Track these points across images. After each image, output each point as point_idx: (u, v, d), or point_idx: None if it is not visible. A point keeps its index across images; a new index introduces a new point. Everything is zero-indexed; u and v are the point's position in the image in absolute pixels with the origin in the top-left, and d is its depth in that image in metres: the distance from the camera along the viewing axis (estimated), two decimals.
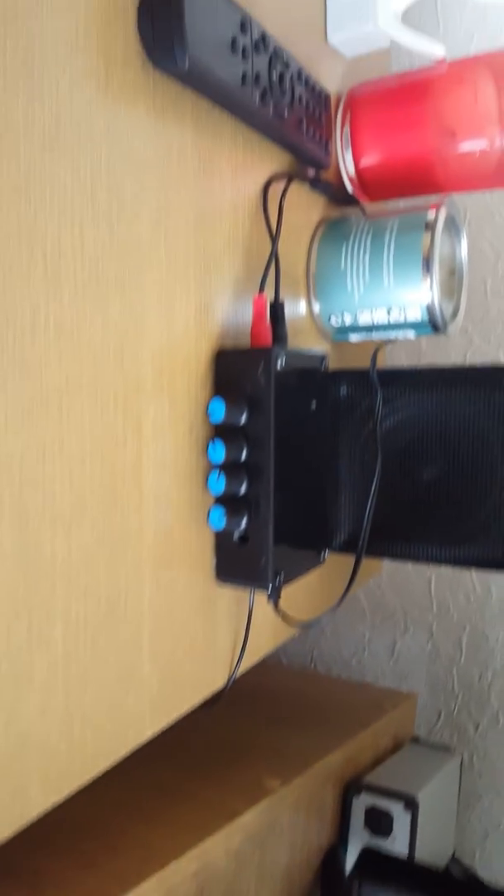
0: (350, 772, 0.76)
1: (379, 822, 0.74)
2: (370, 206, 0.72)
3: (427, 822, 0.76)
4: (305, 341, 0.61)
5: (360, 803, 0.75)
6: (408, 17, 0.67)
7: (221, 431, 0.47)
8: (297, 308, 0.60)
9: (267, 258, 0.53)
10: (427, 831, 0.76)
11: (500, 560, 0.56)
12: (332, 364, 0.66)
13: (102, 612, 0.40)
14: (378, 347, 0.63)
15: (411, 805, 0.72)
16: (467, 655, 1.01)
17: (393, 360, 1.03)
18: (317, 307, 0.62)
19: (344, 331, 0.62)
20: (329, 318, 0.62)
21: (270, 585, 0.47)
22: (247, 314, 0.51)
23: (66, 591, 0.37)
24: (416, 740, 0.90)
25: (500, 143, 0.58)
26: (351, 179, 0.65)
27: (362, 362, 0.73)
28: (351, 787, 0.75)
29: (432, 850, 0.79)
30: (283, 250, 0.57)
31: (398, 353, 1.03)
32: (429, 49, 0.61)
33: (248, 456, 0.47)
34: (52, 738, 0.37)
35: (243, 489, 0.47)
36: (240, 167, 0.50)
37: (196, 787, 0.61)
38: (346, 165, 0.64)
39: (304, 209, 0.60)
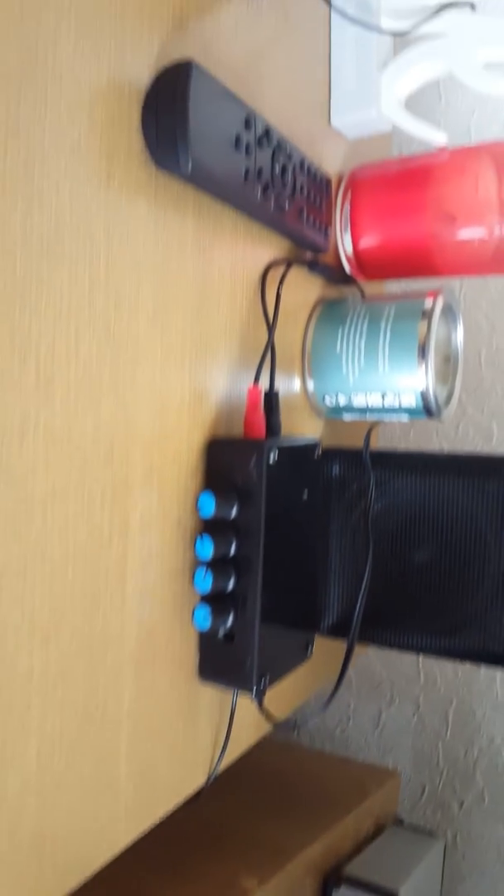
0: (330, 861, 0.74)
1: None
2: (367, 286, 0.72)
3: None
4: (298, 417, 0.61)
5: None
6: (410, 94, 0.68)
7: (210, 525, 0.46)
8: (290, 384, 0.59)
9: (263, 345, 0.53)
10: None
11: (489, 654, 0.55)
12: (324, 439, 0.66)
13: (79, 722, 0.38)
14: (371, 427, 0.62)
15: None
16: (453, 730, 1.00)
17: (384, 428, 1.03)
18: (311, 385, 0.61)
19: (338, 411, 0.62)
20: (323, 398, 0.61)
21: (255, 690, 0.45)
22: (241, 399, 0.51)
23: (41, 707, 0.36)
24: (399, 822, 0.88)
25: (499, 232, 0.58)
26: (349, 260, 0.65)
27: (354, 438, 0.72)
28: (331, 879, 0.72)
29: None
30: (280, 329, 0.56)
31: (388, 423, 1.03)
32: (431, 136, 0.61)
33: (236, 550, 0.46)
34: (20, 860, 0.35)
35: (231, 586, 0.45)
36: (239, 255, 0.49)
37: (170, 888, 0.58)
38: (345, 246, 0.64)
39: (301, 289, 0.59)
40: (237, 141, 0.43)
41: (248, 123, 0.44)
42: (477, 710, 0.98)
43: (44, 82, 0.33)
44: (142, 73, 0.39)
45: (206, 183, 0.42)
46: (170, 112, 0.38)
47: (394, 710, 1.04)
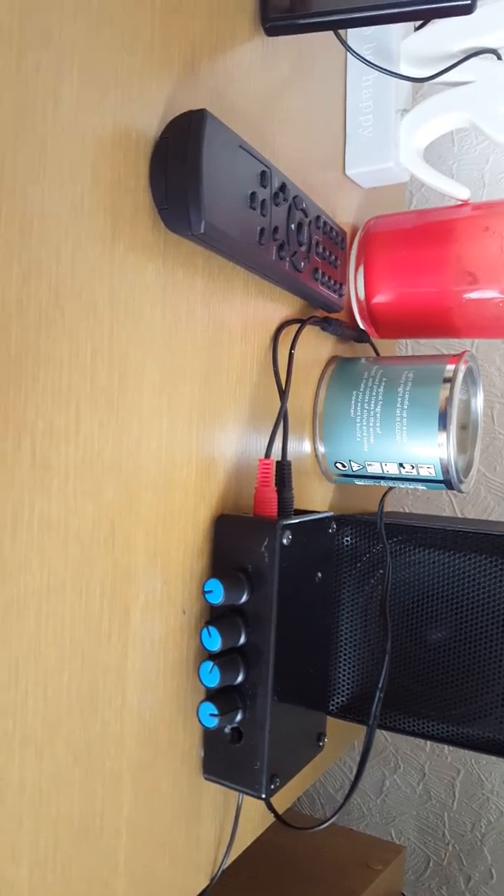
0: None
1: None
2: (381, 343, 0.69)
3: None
4: (307, 481, 0.57)
5: None
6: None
7: (218, 613, 0.43)
8: (300, 446, 0.56)
9: (275, 411, 0.49)
10: None
11: None
12: (333, 501, 0.62)
13: (75, 837, 0.34)
14: (385, 493, 0.59)
15: None
16: (460, 801, 0.95)
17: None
18: (322, 449, 0.58)
19: (349, 477, 0.59)
20: (335, 464, 0.58)
21: (265, 794, 0.41)
22: (250, 469, 0.47)
23: (34, 823, 0.32)
24: None
25: None
26: (363, 316, 0.62)
27: (364, 500, 0.69)
28: None
29: None
30: (291, 387, 0.53)
31: None
32: (453, 190, 0.59)
33: (245, 639, 0.42)
34: None
35: (239, 679, 0.42)
36: (250, 317, 0.46)
37: None
38: (359, 302, 0.61)
39: (312, 347, 0.56)
40: (252, 198, 0.39)
41: (263, 179, 0.41)
42: (486, 782, 0.93)
43: (43, 135, 0.30)
44: (150, 123, 0.36)
45: (219, 244, 0.38)
46: (181, 167, 0.35)
47: (398, 777, 0.99)
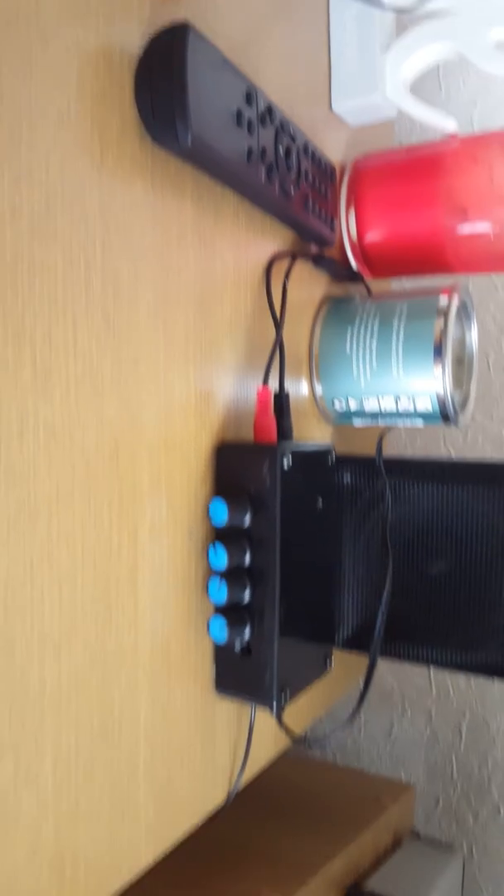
0: (351, 875, 0.70)
1: None
2: (374, 284, 0.70)
3: None
4: (306, 423, 0.58)
5: None
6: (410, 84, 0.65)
7: (223, 534, 0.43)
8: (298, 388, 0.56)
9: (270, 341, 0.50)
10: None
11: None
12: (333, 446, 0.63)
13: (95, 739, 0.35)
14: (383, 433, 0.59)
15: None
16: (467, 743, 0.96)
17: (390, 435, 1.00)
18: (319, 389, 0.58)
19: (347, 416, 0.59)
20: (332, 403, 0.58)
21: (275, 704, 0.42)
22: (249, 402, 0.48)
23: (55, 722, 0.33)
24: (416, 835, 0.84)
25: None
26: (356, 255, 0.62)
27: (364, 442, 0.69)
28: (352, 894, 0.69)
29: None
30: (286, 328, 0.53)
31: (395, 429, 1.00)
32: (440, 122, 0.58)
33: (251, 560, 0.43)
34: (41, 882, 0.32)
35: (246, 597, 0.42)
36: (241, 246, 0.47)
37: None
38: (351, 241, 0.61)
39: (306, 286, 0.57)
40: (238, 116, 0.40)
41: (249, 98, 0.41)
42: (491, 723, 0.94)
43: (28, 43, 0.30)
44: (133, 38, 0.36)
45: (207, 161, 0.39)
46: (166, 80, 0.35)
47: (406, 722, 1.01)
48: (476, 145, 0.57)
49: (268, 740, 0.51)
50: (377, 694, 1.03)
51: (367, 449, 0.70)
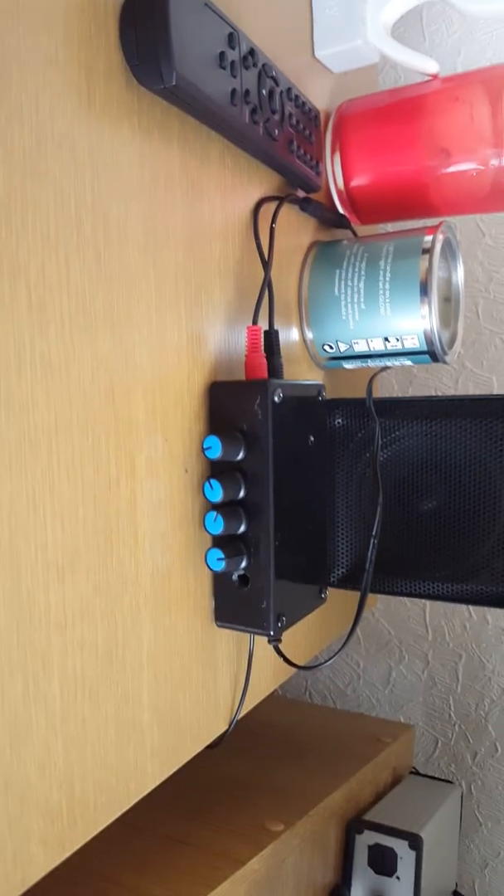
0: (352, 809, 0.73)
1: (383, 861, 0.71)
2: (362, 230, 0.70)
3: (431, 860, 0.73)
4: (297, 368, 0.59)
5: (363, 841, 0.71)
6: (394, 33, 0.65)
7: (217, 468, 0.45)
8: (288, 334, 0.57)
9: (259, 285, 0.51)
10: (431, 869, 0.74)
11: (502, 598, 0.54)
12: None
13: (100, 663, 0.37)
14: (373, 376, 0.60)
15: (416, 844, 0.69)
16: (464, 684, 0.99)
17: (383, 384, 1.01)
18: (309, 334, 0.59)
19: (338, 359, 0.60)
20: (322, 346, 0.59)
21: (272, 631, 0.44)
22: (240, 343, 0.49)
23: (61, 644, 0.34)
24: (415, 773, 0.87)
25: (496, 164, 0.56)
26: (342, 201, 0.63)
27: (355, 388, 0.70)
28: (353, 825, 0.72)
29: (436, 886, 0.77)
30: (274, 275, 0.54)
31: (388, 377, 1.01)
32: (421, 64, 0.59)
33: (246, 494, 0.44)
34: (52, 798, 0.34)
35: (242, 528, 0.44)
36: (229, 190, 0.47)
37: (197, 833, 0.58)
38: (337, 186, 0.62)
39: (293, 232, 0.57)
40: (221, 58, 0.40)
41: (231, 40, 0.41)
42: (487, 664, 0.97)
43: None
44: None
45: (192, 101, 0.39)
46: (150, 20, 0.36)
47: (403, 667, 1.03)
48: (456, 84, 0.57)
49: (268, 672, 0.53)
50: (374, 642, 1.05)
51: (359, 393, 0.71)
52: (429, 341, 0.55)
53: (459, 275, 0.61)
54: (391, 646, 1.04)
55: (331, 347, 0.59)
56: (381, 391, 1.01)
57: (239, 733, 0.49)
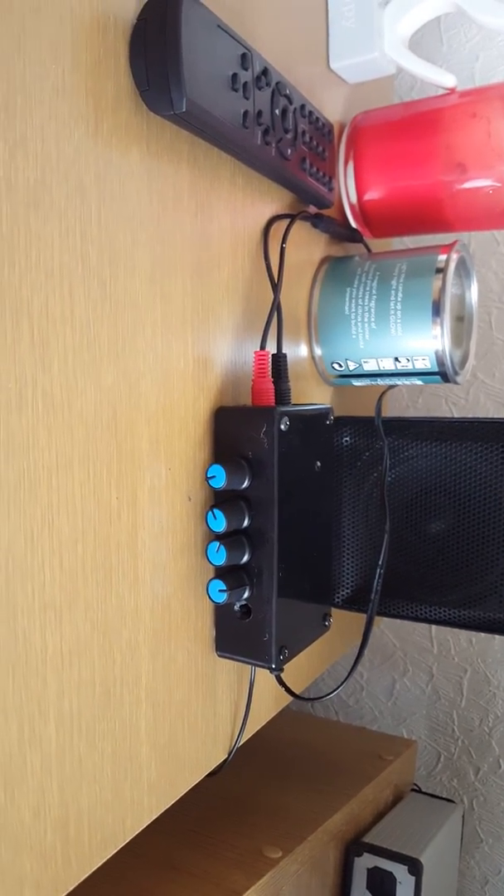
0: (352, 830, 0.72)
1: (382, 886, 0.71)
2: (375, 244, 0.69)
3: (431, 884, 0.72)
4: (305, 385, 0.58)
5: (363, 864, 0.71)
6: (411, 38, 0.64)
7: (221, 497, 0.44)
8: (297, 351, 0.56)
9: (269, 307, 0.50)
10: (430, 893, 0.73)
11: None
12: (333, 408, 0.63)
13: (98, 701, 0.36)
14: (382, 393, 0.59)
15: (415, 869, 0.68)
16: (468, 699, 0.98)
17: (393, 394, 1.00)
18: (318, 351, 0.58)
19: (347, 377, 0.59)
20: (331, 364, 0.59)
21: (274, 664, 0.43)
22: (247, 365, 0.48)
23: (58, 684, 0.34)
24: (416, 790, 0.86)
25: None
26: (355, 215, 0.62)
27: (363, 405, 0.69)
28: (352, 847, 0.71)
29: None
30: (284, 291, 0.53)
31: (399, 387, 1.00)
32: (438, 78, 0.58)
33: (250, 523, 0.43)
34: (46, 841, 0.34)
35: (245, 558, 0.43)
36: (239, 210, 0.46)
37: (193, 859, 0.57)
38: (350, 200, 0.61)
39: (305, 247, 0.56)
40: (234, 80, 0.39)
41: (244, 61, 0.40)
42: (492, 679, 0.96)
43: (20, 14, 0.30)
44: (128, 4, 0.36)
45: (203, 126, 0.38)
46: (160, 46, 0.35)
47: (407, 680, 1.03)
48: (474, 100, 0.56)
49: (268, 699, 0.53)
50: (379, 654, 1.04)
51: (367, 410, 0.70)
52: (440, 362, 0.54)
53: (473, 293, 0.60)
54: (396, 658, 1.03)
55: (340, 365, 0.58)
56: (389, 401, 1.00)
57: (239, 749, 0.48)
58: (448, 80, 0.58)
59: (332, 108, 0.61)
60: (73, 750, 0.35)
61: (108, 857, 0.38)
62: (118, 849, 0.38)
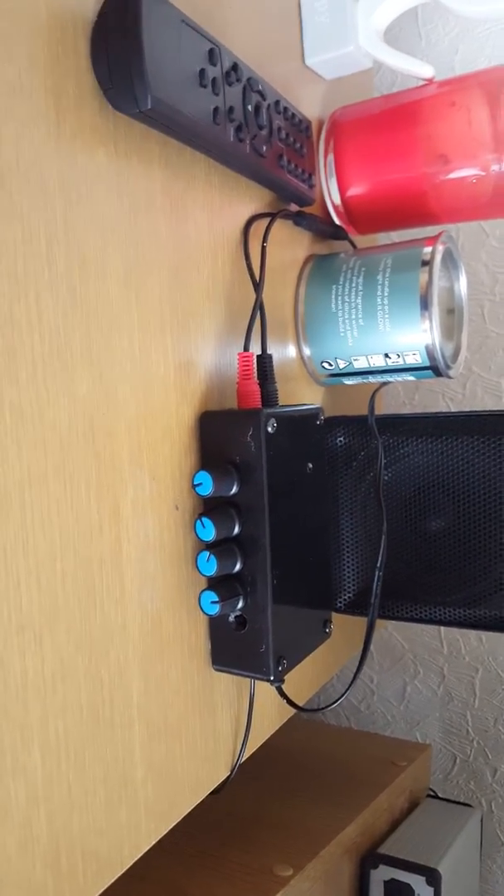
0: (367, 841, 0.71)
1: None
2: (360, 240, 0.68)
3: (451, 893, 0.71)
4: (295, 386, 0.57)
5: (379, 877, 0.69)
6: (389, 33, 0.63)
7: (210, 505, 0.43)
8: (285, 352, 0.55)
9: (251, 307, 0.49)
10: None
11: None
12: (325, 408, 0.62)
13: (85, 724, 0.35)
14: (375, 391, 0.58)
15: (434, 880, 0.67)
16: (481, 699, 0.96)
17: (388, 390, 0.99)
18: (307, 351, 0.57)
19: (337, 376, 0.58)
20: (321, 364, 0.57)
21: (272, 676, 0.42)
22: (232, 368, 0.47)
23: (41, 709, 0.32)
24: (432, 795, 0.84)
25: (496, 170, 0.54)
26: (337, 211, 0.61)
27: (356, 404, 0.68)
28: (368, 860, 0.69)
29: None
30: (269, 292, 0.52)
31: (393, 384, 0.98)
32: (416, 69, 0.57)
33: (240, 530, 0.42)
34: (35, 876, 0.32)
35: (237, 567, 0.42)
36: (216, 210, 0.45)
37: (201, 880, 0.55)
38: (332, 197, 0.60)
39: (288, 246, 0.55)
40: (202, 76, 0.38)
41: (212, 57, 0.39)
42: None
43: None
44: (86, 2, 0.35)
45: (171, 124, 0.37)
46: (122, 42, 0.33)
47: (418, 682, 1.01)
48: (452, 89, 0.55)
49: (271, 711, 0.51)
50: (388, 657, 1.03)
51: (361, 409, 0.69)
52: (431, 356, 0.53)
53: (462, 285, 0.58)
54: (405, 660, 1.01)
55: (329, 364, 0.57)
56: (385, 398, 0.99)
57: (246, 761, 0.47)
58: (426, 70, 0.57)
59: (311, 105, 0.60)
60: (62, 777, 0.33)
61: (106, 887, 0.36)
62: (116, 877, 0.37)
